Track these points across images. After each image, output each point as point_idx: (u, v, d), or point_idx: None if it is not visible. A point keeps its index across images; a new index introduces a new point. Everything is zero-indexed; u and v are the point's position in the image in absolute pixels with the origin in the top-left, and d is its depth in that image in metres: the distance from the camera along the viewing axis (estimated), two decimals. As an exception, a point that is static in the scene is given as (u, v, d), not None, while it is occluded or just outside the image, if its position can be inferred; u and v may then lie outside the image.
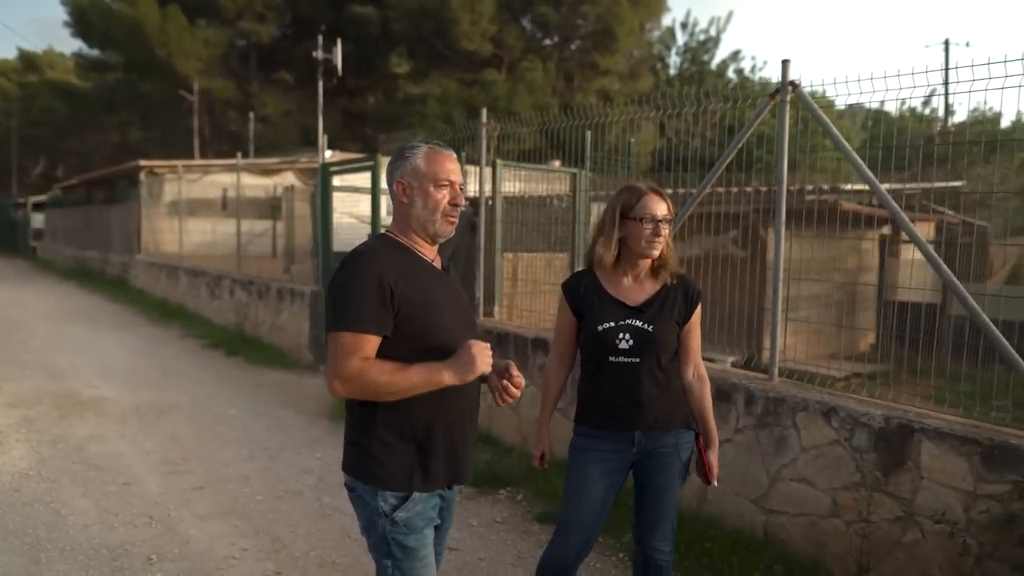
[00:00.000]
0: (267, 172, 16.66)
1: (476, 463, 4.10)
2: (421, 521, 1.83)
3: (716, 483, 2.47)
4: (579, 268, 6.01)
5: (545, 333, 5.12)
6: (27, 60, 42.20)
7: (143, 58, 27.94)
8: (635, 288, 2.39)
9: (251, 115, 26.27)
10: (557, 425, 4.84)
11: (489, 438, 5.20)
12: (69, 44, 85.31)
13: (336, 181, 8.44)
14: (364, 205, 8.12)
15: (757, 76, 28.53)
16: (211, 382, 7.37)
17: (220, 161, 17.92)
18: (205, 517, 3.97)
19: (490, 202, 5.76)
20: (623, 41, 26.20)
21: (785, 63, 3.70)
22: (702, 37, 28.68)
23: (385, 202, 9.25)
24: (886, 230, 12.19)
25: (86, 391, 6.82)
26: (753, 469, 3.56)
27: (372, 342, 1.74)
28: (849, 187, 8.00)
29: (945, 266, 3.36)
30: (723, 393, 3.67)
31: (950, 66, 22.17)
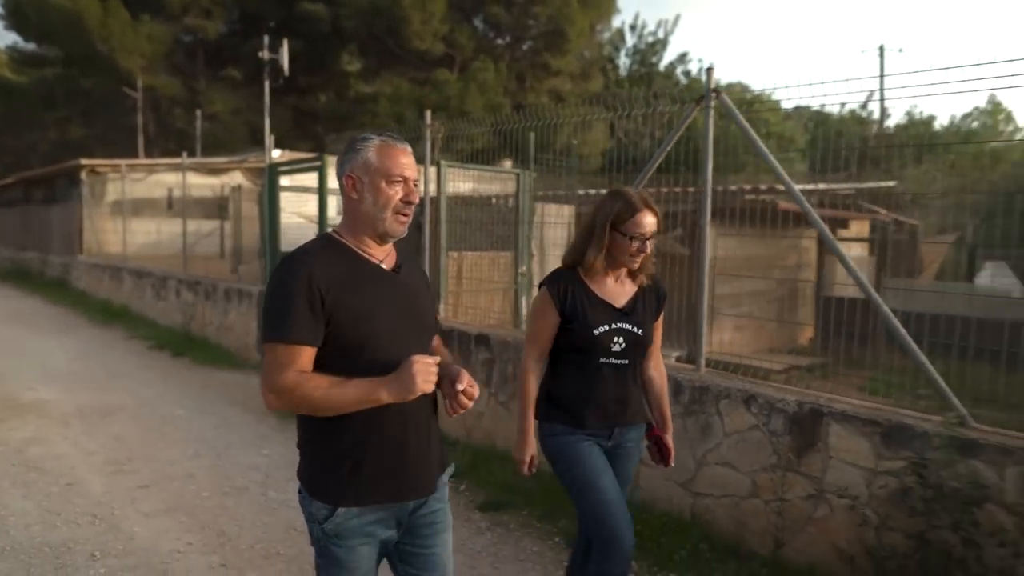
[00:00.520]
0: (214, 171, 16.42)
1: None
2: (353, 535, 1.77)
3: (674, 464, 2.59)
4: (523, 267, 6.18)
5: (488, 330, 5.27)
6: (-42, 54, 40.50)
7: (83, 53, 27.11)
8: (618, 289, 2.44)
9: (198, 113, 25.78)
10: (504, 422, 4.98)
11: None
12: (2, 38, 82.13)
13: (285, 181, 8.45)
14: (313, 205, 8.15)
15: (704, 78, 29.19)
16: (157, 383, 7.32)
17: (165, 160, 17.58)
18: (150, 514, 4.01)
19: (435, 202, 5.89)
20: (574, 42, 26.50)
21: (709, 71, 3.92)
22: (650, 39, 29.22)
23: (335, 202, 9.30)
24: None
25: (26, 394, 6.71)
26: (681, 455, 3.75)
27: (306, 353, 1.66)
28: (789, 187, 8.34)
29: (851, 261, 3.62)
30: (653, 383, 3.87)
31: (885, 72, 23.07)
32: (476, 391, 1.76)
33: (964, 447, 2.85)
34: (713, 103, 3.86)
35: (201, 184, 14.90)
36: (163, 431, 5.62)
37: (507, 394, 4.82)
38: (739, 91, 22.79)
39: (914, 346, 3.25)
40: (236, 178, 16.32)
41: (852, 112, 25.76)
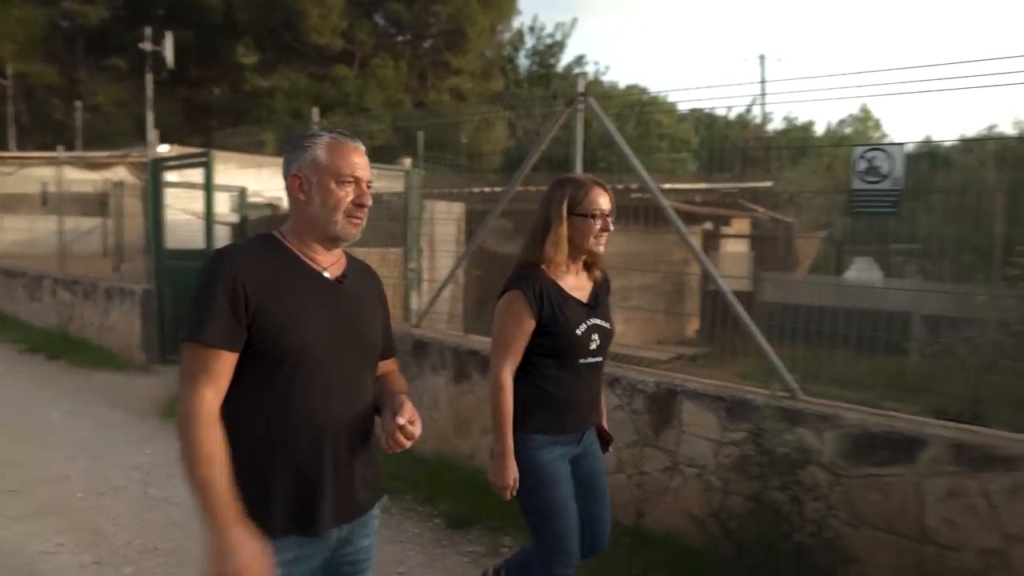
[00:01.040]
0: (95, 166, 15.58)
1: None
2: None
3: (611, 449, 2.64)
4: (412, 264, 6.29)
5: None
6: None
7: (-55, 36, 25.06)
8: (581, 283, 2.34)
9: (78, 104, 24.32)
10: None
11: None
12: None
13: (173, 176, 8.21)
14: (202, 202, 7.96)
15: (604, 79, 30.09)
16: (29, 387, 6.97)
17: (39, 154, 16.52)
18: (18, 518, 3.89)
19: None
20: (474, 41, 26.73)
21: (579, 76, 4.19)
22: (549, 41, 29.82)
23: (227, 200, 9.08)
24: (708, 225, 13.45)
25: None
26: (554, 436, 4.01)
27: (223, 358, 1.51)
28: (667, 186, 8.84)
29: (705, 257, 3.95)
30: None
31: (766, 79, 24.52)
32: (418, 429, 1.61)
33: (792, 416, 3.21)
34: (582, 106, 4.12)
35: (81, 179, 14.12)
36: (34, 435, 5.40)
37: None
38: (636, 94, 23.65)
39: (755, 329, 3.61)
40: (120, 173, 15.55)
41: (739, 116, 27.23)
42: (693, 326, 11.22)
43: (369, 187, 1.67)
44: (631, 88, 27.08)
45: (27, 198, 14.49)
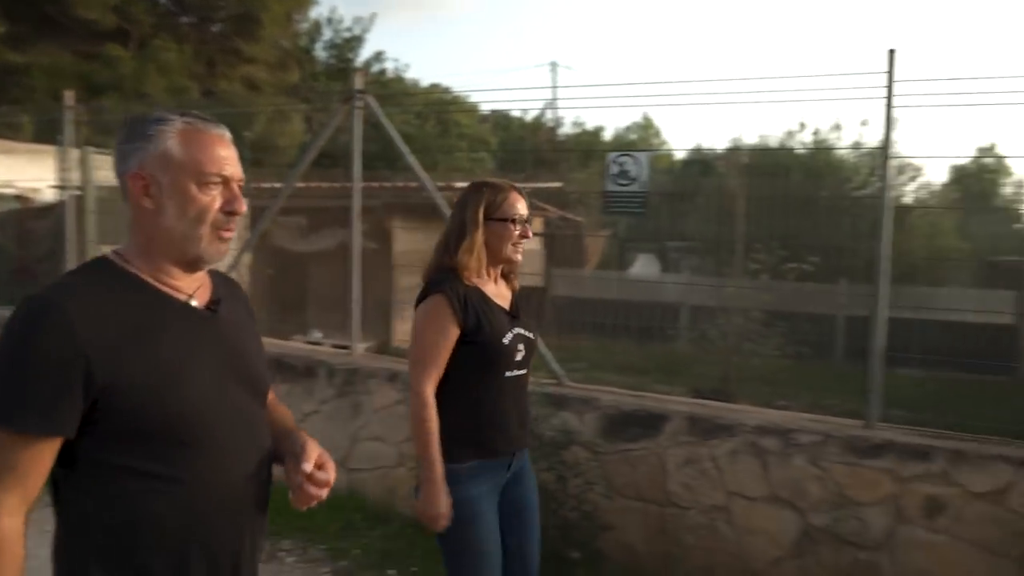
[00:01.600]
0: None
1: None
2: None
3: None
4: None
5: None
6: None
7: None
8: (501, 291, 2.19)
9: None
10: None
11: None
12: None
13: None
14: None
15: (404, 76, 30.06)
16: None
17: None
18: None
19: (80, 192, 5.37)
20: (268, 29, 25.46)
21: (356, 73, 4.20)
22: (347, 35, 29.20)
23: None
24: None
25: None
26: (337, 435, 3.98)
27: (46, 447, 1.12)
28: (461, 185, 9.06)
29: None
30: (309, 370, 4.04)
31: (557, 85, 25.93)
32: (332, 473, 1.30)
33: (557, 401, 3.47)
34: (360, 103, 4.11)
35: None
36: None
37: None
38: (439, 92, 23.94)
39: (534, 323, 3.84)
40: None
41: (534, 119, 28.51)
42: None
43: (241, 188, 1.26)
44: (433, 87, 27.31)
45: None
